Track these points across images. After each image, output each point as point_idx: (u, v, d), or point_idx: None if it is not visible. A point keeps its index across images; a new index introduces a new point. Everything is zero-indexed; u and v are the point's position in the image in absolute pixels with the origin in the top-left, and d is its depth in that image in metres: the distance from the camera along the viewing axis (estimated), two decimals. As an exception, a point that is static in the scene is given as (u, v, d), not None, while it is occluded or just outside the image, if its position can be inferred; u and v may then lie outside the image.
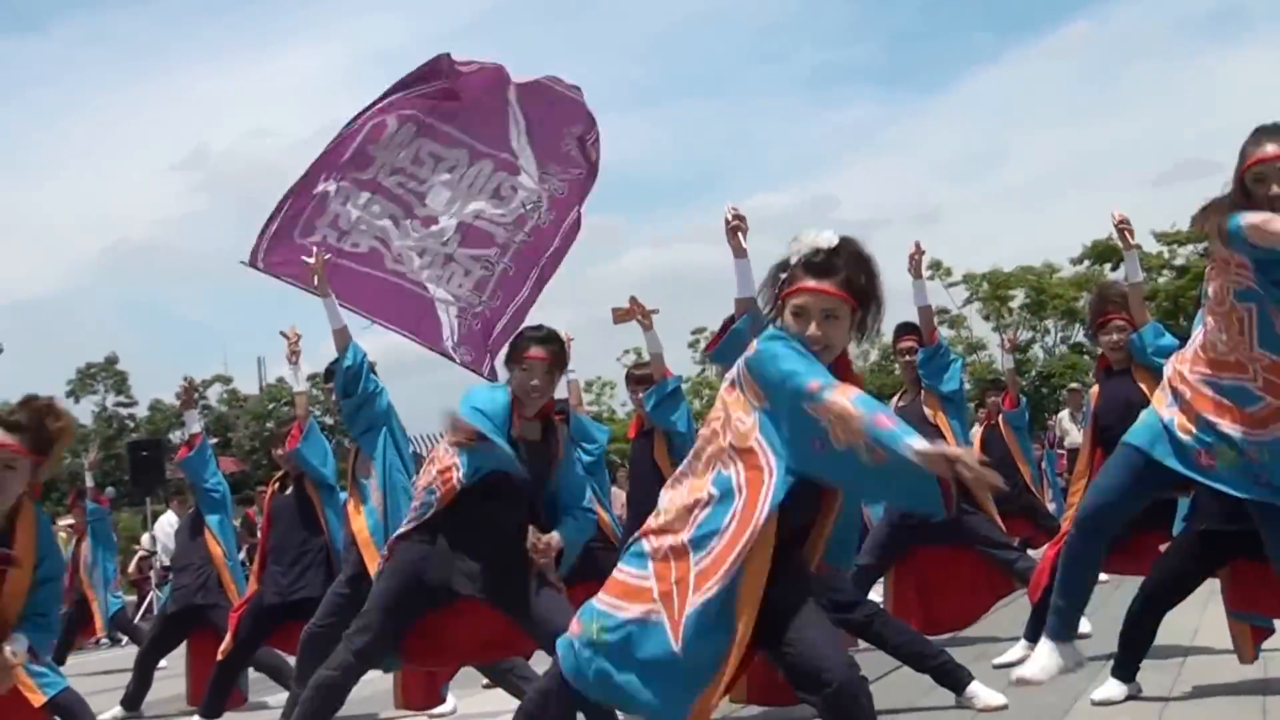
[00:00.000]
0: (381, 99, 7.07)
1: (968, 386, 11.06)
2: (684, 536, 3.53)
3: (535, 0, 75.89)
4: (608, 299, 7.37)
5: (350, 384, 6.53)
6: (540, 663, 4.98)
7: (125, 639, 13.37)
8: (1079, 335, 40.24)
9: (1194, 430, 4.68)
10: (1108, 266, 38.40)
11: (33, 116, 68.93)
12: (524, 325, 5.75)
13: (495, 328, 7.20)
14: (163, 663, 9.15)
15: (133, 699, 8.83)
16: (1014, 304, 41.97)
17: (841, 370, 3.62)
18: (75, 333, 56.88)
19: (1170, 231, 37.68)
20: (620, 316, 7.32)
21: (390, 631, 5.07)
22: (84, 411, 43.70)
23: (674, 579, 3.51)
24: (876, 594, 8.44)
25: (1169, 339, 6.33)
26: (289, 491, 7.59)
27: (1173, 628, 6.12)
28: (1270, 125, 4.44)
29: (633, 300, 7.37)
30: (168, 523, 16.59)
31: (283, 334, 7.28)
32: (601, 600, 3.64)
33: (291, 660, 7.02)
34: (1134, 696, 5.59)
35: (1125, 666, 5.64)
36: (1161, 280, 37.81)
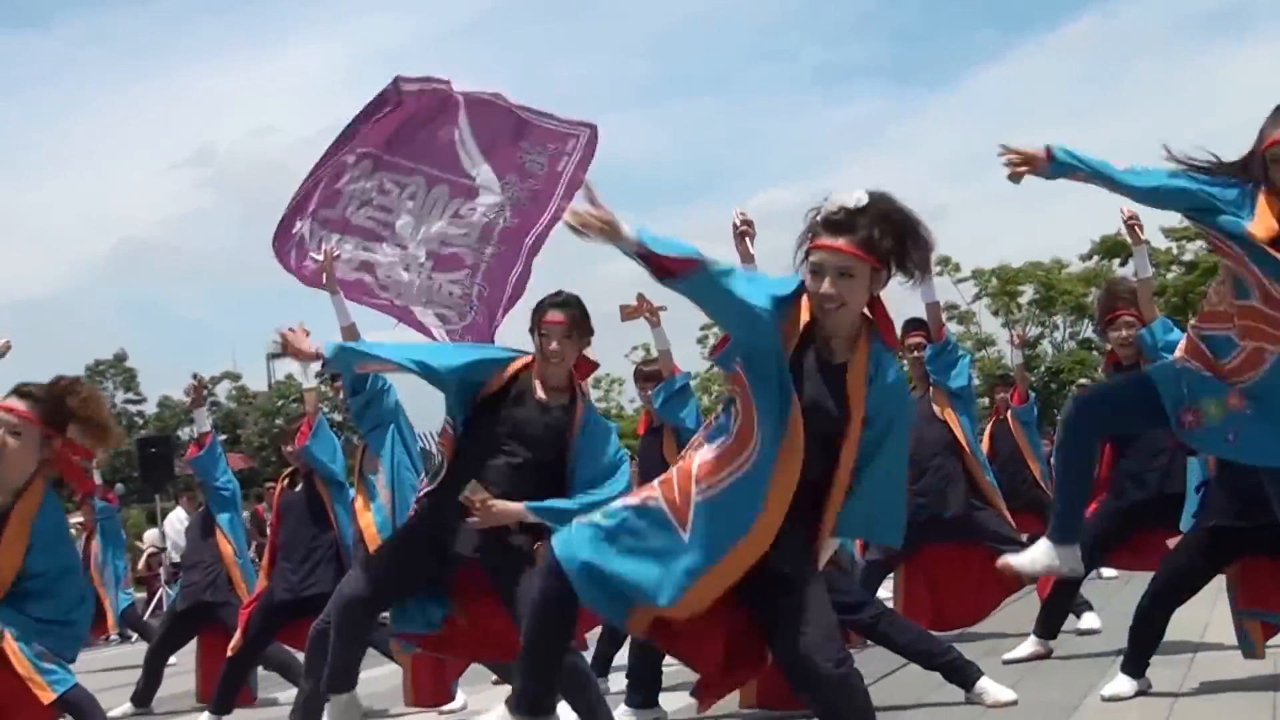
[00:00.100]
0: (340, 139, 7.13)
1: (977, 382, 11.02)
2: (692, 451, 3.66)
3: (537, -1, 75.77)
4: (615, 296, 7.35)
5: (358, 381, 6.54)
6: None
7: (135, 636, 13.39)
8: (1088, 331, 40.19)
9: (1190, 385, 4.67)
10: (1116, 262, 38.33)
11: (36, 115, 69.12)
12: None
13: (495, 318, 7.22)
14: (172, 659, 9.17)
15: (142, 696, 8.86)
16: (1023, 300, 41.94)
17: (882, 323, 3.62)
18: (81, 332, 57.04)
19: (1179, 227, 37.50)
20: (628, 314, 7.32)
21: (385, 580, 5.01)
22: (93, 409, 43.72)
23: (677, 474, 3.61)
24: (886, 590, 8.45)
25: (1178, 334, 6.31)
26: (298, 488, 7.60)
27: (1182, 624, 6.12)
28: None
29: (640, 297, 7.37)
30: (177, 519, 16.63)
31: (291, 330, 7.27)
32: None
33: (301, 657, 7.04)
34: (1143, 692, 5.58)
35: (1135, 662, 5.63)
36: (1170, 276, 37.76)
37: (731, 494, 3.49)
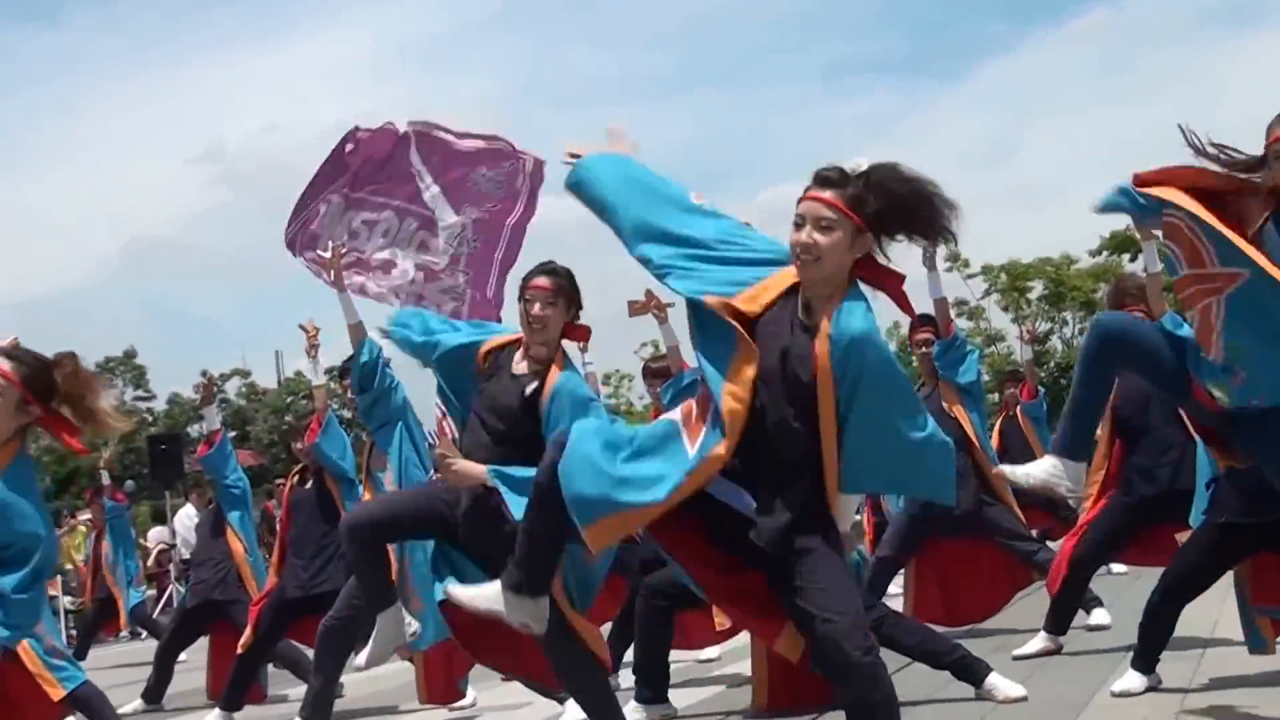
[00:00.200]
0: (310, 189, 7.31)
1: (986, 378, 11.02)
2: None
3: (554, -10, 75.71)
4: (625, 291, 7.36)
5: (366, 380, 6.54)
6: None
7: (144, 633, 13.42)
8: (1097, 326, 40.10)
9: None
10: (1126, 257, 38.27)
11: (46, 110, 68.95)
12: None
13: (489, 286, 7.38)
14: (182, 656, 9.21)
15: (153, 692, 8.89)
16: (1032, 295, 41.84)
17: (892, 289, 3.65)
18: (93, 329, 56.95)
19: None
20: (635, 309, 7.32)
21: (395, 508, 5.10)
22: (103, 406, 43.76)
23: (697, 401, 3.68)
24: (896, 587, 8.45)
25: (1187, 329, 6.28)
26: (308, 485, 7.62)
27: (1192, 619, 6.10)
28: None
29: (648, 293, 7.37)
30: (186, 516, 16.66)
31: (301, 327, 7.30)
32: None
33: (311, 654, 7.06)
34: (1154, 688, 5.57)
35: (1145, 658, 5.62)
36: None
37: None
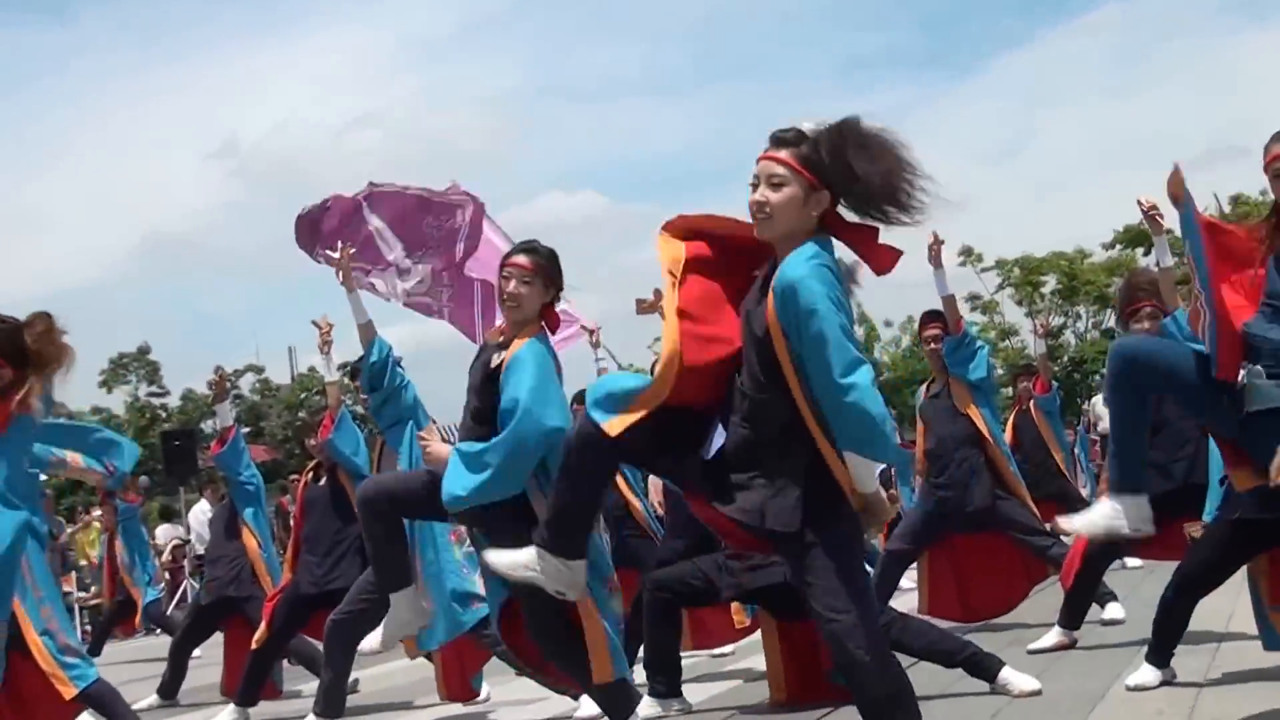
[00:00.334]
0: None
1: (1000, 372, 11.00)
2: None
3: (568, -14, 75.58)
4: (639, 287, 7.39)
5: (376, 379, 6.51)
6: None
7: (159, 629, 13.43)
8: (1111, 320, 39.98)
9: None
10: (1139, 251, 38.16)
11: (61, 106, 69.03)
12: None
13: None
14: (197, 652, 9.21)
15: (168, 688, 8.91)
16: (1046, 289, 41.74)
17: (864, 246, 3.58)
18: (107, 325, 57.10)
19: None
20: (643, 308, 7.31)
21: (412, 484, 5.15)
22: (116, 402, 43.90)
23: None
24: (909, 580, 8.44)
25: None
26: (322, 482, 7.62)
27: (1207, 613, 6.09)
28: None
29: (656, 293, 7.35)
30: (201, 511, 16.67)
31: (314, 324, 7.28)
32: None
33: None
34: (1168, 682, 5.56)
35: (1159, 652, 5.61)
36: (1193, 264, 37.48)
37: None
